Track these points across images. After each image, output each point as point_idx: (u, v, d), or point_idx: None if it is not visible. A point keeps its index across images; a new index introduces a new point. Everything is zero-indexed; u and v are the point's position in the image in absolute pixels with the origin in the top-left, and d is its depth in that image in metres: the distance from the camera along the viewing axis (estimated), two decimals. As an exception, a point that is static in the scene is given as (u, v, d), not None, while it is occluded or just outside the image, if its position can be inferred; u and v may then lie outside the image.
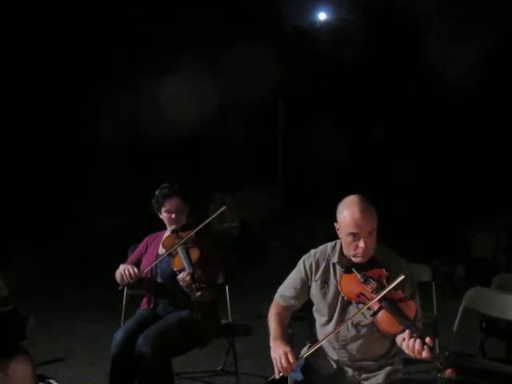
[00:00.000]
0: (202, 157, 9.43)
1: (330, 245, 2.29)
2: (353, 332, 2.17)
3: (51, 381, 2.59)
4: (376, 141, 9.79)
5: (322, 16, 11.15)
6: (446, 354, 2.65)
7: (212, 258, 2.88)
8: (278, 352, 2.05)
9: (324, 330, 2.24)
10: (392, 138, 9.79)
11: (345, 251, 2.22)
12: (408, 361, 2.34)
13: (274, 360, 2.05)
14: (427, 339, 1.89)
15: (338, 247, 2.25)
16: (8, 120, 8.42)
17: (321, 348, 2.22)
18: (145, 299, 3.00)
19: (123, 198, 8.71)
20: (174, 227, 2.93)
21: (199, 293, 2.56)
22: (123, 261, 3.05)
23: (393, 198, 8.34)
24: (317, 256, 2.27)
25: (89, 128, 8.62)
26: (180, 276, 2.62)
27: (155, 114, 8.86)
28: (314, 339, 2.29)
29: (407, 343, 1.89)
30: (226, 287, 3.27)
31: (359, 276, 2.13)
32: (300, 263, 2.30)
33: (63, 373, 3.69)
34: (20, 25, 8.32)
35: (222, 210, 2.95)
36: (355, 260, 2.16)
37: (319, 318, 2.27)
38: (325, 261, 2.25)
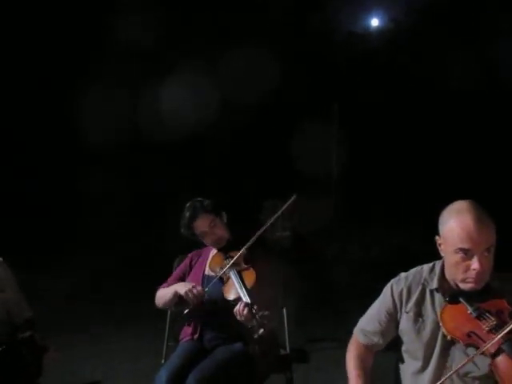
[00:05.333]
0: (255, 162, 9.08)
1: (426, 266, 1.76)
2: None
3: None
4: (432, 148, 9.15)
5: (375, 22, 10.90)
6: None
7: (273, 276, 2.41)
8: None
9: (417, 379, 1.70)
10: (449, 144, 9.10)
11: (449, 274, 1.69)
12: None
13: None
14: None
15: (437, 269, 1.72)
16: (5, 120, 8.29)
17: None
18: (186, 329, 2.54)
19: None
20: (218, 246, 2.53)
21: (262, 329, 2.07)
22: (167, 275, 2.64)
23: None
24: (409, 280, 1.75)
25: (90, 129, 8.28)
26: (236, 309, 2.17)
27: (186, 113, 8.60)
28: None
29: None
30: (284, 310, 2.73)
31: (470, 309, 1.60)
32: (386, 289, 1.79)
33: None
34: (12, 22, 8.14)
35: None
36: (464, 287, 1.63)
37: (410, 363, 1.73)
38: (420, 287, 1.73)
